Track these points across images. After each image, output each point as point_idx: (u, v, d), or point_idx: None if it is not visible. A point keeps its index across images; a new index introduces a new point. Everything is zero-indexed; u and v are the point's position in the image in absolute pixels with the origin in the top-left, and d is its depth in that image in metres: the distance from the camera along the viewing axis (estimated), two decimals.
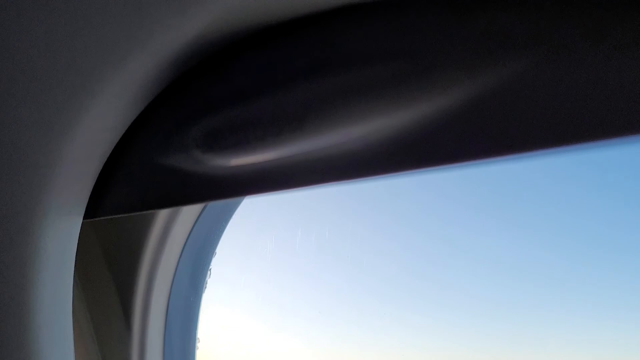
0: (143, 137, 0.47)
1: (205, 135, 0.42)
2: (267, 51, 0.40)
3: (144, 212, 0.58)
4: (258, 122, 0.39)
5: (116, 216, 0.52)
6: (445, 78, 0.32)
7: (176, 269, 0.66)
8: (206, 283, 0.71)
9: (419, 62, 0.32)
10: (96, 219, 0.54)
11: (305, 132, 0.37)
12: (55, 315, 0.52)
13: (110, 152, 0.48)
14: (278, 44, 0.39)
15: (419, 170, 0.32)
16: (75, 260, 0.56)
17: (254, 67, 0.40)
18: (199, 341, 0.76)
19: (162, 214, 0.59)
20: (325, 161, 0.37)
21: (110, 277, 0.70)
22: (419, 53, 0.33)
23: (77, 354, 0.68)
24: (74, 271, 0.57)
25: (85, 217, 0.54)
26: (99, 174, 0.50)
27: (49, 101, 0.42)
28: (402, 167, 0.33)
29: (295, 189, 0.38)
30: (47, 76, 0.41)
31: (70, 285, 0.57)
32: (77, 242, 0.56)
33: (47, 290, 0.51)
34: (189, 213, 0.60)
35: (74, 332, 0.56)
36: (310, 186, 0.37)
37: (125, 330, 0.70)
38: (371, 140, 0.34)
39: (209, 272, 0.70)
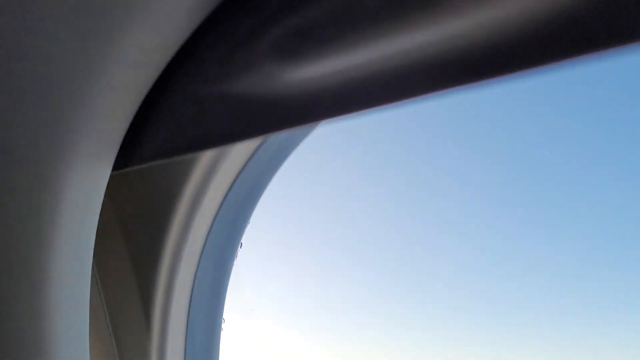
0: (196, 58, 0.39)
1: (283, 39, 0.34)
2: None
3: (182, 161, 0.50)
4: (352, 15, 0.32)
5: (152, 164, 0.44)
6: None
7: (208, 235, 0.58)
8: (237, 255, 0.63)
9: None
10: (128, 169, 0.46)
11: (414, 24, 0.29)
12: (73, 278, 0.45)
13: (154, 80, 0.40)
14: None
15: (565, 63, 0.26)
16: None
17: None
18: (224, 322, 0.68)
19: (201, 165, 0.51)
20: (439, 62, 0.29)
21: (126, 248, 0.62)
22: None
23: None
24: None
25: (115, 168, 0.46)
26: (136, 113, 0.43)
27: (81, 18, 0.35)
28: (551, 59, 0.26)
29: (394, 102, 0.31)
30: None
31: (90, 248, 0.49)
32: (102, 199, 0.48)
33: (64, 250, 0.43)
34: (234, 158, 0.52)
35: None
36: (419, 96, 0.30)
37: (142, 309, 0.62)
38: (503, 30, 0.27)
39: (240, 243, 0.63)
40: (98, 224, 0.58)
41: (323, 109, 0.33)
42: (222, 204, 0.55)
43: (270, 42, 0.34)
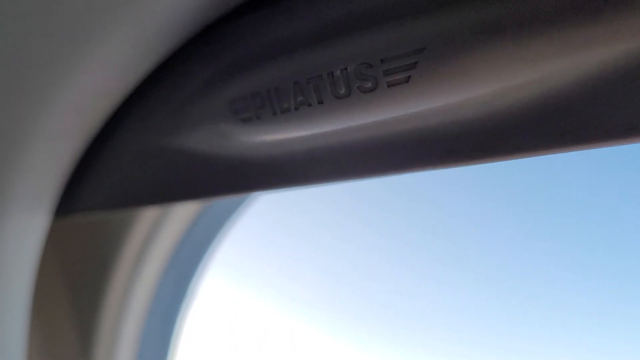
0: (145, 108, 0.37)
1: (241, 99, 0.31)
2: None
3: (130, 211, 0.47)
4: (324, 71, 0.29)
5: (95, 214, 0.41)
6: None
7: (157, 288, 0.55)
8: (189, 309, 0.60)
9: None
10: (68, 217, 0.43)
11: (411, 87, 0.26)
12: (5, 339, 0.41)
13: (100, 127, 0.38)
14: None
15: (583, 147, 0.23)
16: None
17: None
18: None
19: (145, 220, 0.48)
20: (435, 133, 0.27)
21: (70, 299, 0.58)
22: None
23: None
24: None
25: (56, 215, 0.42)
26: (80, 160, 0.40)
27: (21, 58, 0.33)
28: (560, 144, 0.23)
29: (358, 177, 0.29)
30: (23, 29, 0.31)
31: (26, 305, 0.45)
32: (40, 249, 0.44)
33: None
34: (181, 217, 0.49)
35: None
36: (400, 172, 0.28)
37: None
38: (508, 103, 0.25)
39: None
40: (40, 272, 0.54)
41: (278, 176, 0.31)
42: (172, 255, 0.52)
43: (228, 99, 0.32)
